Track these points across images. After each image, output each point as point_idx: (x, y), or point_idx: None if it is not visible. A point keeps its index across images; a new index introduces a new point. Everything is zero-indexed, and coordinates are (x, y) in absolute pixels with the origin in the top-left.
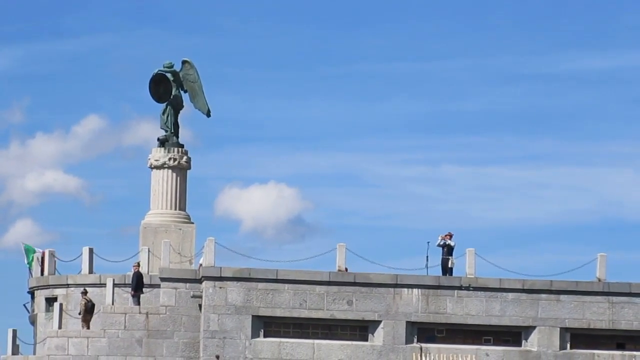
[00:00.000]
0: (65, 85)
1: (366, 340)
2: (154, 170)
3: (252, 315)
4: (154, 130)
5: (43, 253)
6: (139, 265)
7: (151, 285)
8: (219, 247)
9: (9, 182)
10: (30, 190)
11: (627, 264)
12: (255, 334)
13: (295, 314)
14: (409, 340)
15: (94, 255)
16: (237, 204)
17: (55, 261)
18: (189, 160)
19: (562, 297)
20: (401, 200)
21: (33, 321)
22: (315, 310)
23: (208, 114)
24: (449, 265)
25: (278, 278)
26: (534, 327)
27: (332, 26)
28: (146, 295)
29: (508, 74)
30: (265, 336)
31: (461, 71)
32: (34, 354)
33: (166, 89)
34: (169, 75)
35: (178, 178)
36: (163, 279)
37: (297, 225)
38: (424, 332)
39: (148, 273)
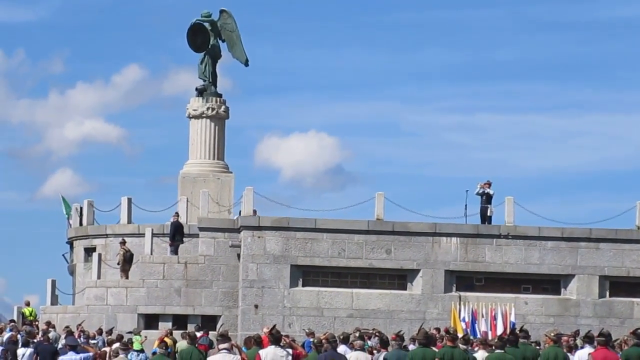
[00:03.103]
0: (105, 35)
1: (405, 289)
2: (192, 119)
3: (291, 265)
4: (192, 79)
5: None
6: (177, 215)
7: (190, 235)
8: (258, 197)
9: (49, 132)
10: (70, 139)
11: None
12: (293, 283)
13: (333, 263)
14: (447, 289)
15: (132, 205)
16: (276, 153)
17: (93, 211)
18: (227, 110)
19: (602, 245)
20: (439, 149)
21: (72, 271)
22: (354, 259)
23: (246, 64)
24: (488, 214)
25: (317, 227)
26: (573, 276)
27: None
28: (185, 245)
29: (544, 22)
30: (303, 285)
31: (497, 19)
32: (73, 304)
33: (204, 38)
34: (206, 24)
35: (216, 127)
36: (202, 229)
37: (337, 174)
38: (462, 280)
39: (187, 223)
